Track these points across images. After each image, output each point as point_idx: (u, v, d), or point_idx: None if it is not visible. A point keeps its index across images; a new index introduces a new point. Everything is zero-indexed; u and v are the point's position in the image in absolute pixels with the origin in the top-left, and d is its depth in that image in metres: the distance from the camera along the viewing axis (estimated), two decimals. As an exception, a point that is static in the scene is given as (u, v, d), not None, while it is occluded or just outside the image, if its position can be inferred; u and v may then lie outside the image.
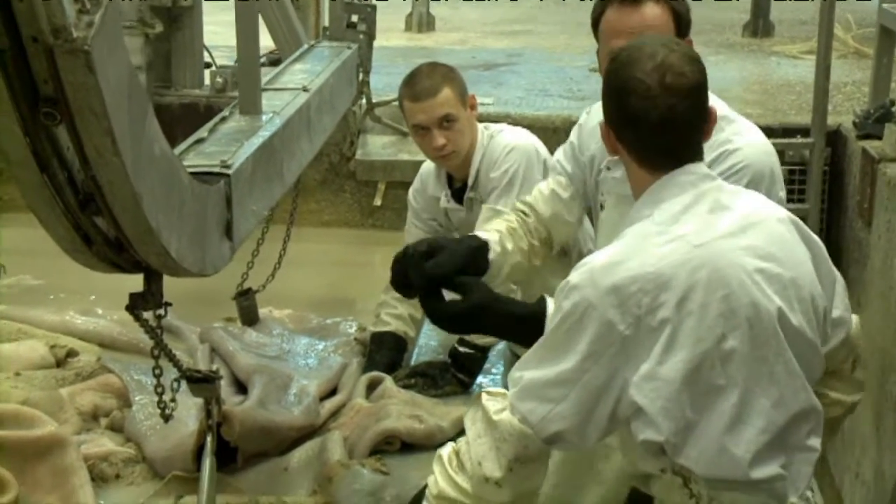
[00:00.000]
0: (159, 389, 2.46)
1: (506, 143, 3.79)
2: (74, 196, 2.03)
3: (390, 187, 5.64)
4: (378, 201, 5.71)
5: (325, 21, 5.54)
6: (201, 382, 2.62)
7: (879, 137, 4.71)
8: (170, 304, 2.34)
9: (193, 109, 5.39)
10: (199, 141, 2.86)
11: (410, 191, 4.10)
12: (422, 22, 9.22)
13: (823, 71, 5.01)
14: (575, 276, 2.23)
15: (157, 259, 2.20)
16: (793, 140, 5.24)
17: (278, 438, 3.14)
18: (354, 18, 4.86)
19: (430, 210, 4.01)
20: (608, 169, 2.94)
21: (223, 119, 3.10)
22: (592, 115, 3.12)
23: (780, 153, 5.16)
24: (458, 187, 3.92)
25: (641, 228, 2.25)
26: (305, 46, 4.51)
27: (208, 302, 4.60)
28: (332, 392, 3.61)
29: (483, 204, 3.67)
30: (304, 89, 3.60)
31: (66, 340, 3.95)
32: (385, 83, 6.66)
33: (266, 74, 3.94)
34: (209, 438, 2.67)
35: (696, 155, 2.30)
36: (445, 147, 3.67)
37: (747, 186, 2.68)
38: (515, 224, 3.08)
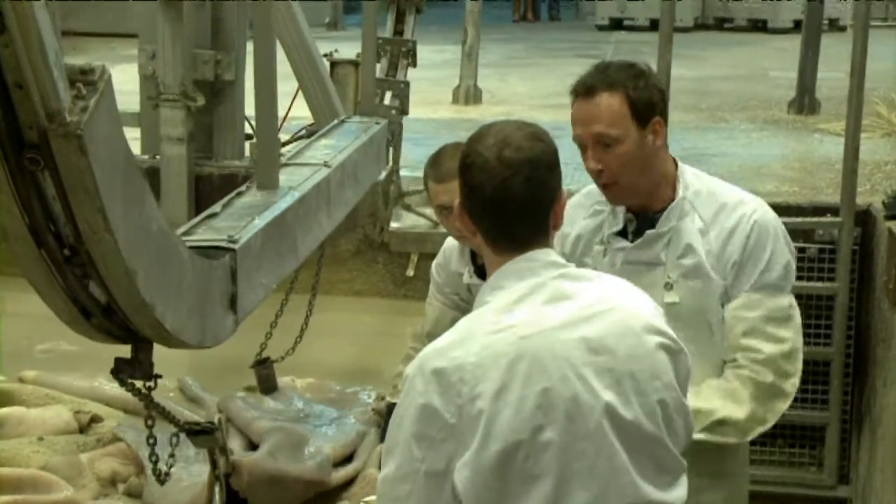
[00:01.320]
0: (153, 458, 2.51)
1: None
2: (71, 270, 2.11)
3: (423, 258, 5.71)
4: (411, 272, 5.78)
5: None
6: (201, 434, 2.67)
7: (908, 218, 4.71)
8: (159, 377, 2.39)
9: (233, 180, 5.51)
10: (212, 216, 2.95)
11: (433, 265, 4.14)
12: (469, 95, 9.36)
13: (852, 151, 5.01)
14: (410, 365, 2.25)
15: (153, 331, 2.27)
16: (822, 219, 5.24)
17: (289, 491, 3.17)
18: (388, 95, 4.96)
19: (453, 285, 4.06)
20: (607, 243, 2.98)
21: (239, 194, 3.19)
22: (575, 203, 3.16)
23: (810, 232, 5.23)
24: (482, 263, 3.96)
25: (476, 316, 2.26)
26: (335, 122, 4.61)
27: (233, 370, 4.69)
28: (349, 459, 3.65)
29: None
30: (326, 164, 3.68)
31: (92, 406, 4.05)
32: (426, 155, 6.75)
33: (294, 149, 4.05)
34: (217, 489, 2.72)
35: (540, 239, 2.27)
36: (454, 232, 3.70)
37: (775, 242, 2.86)
38: None
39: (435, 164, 3.80)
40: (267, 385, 4.16)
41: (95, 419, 3.94)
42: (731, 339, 2.88)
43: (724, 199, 2.92)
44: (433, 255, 4.09)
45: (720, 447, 2.89)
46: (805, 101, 8.70)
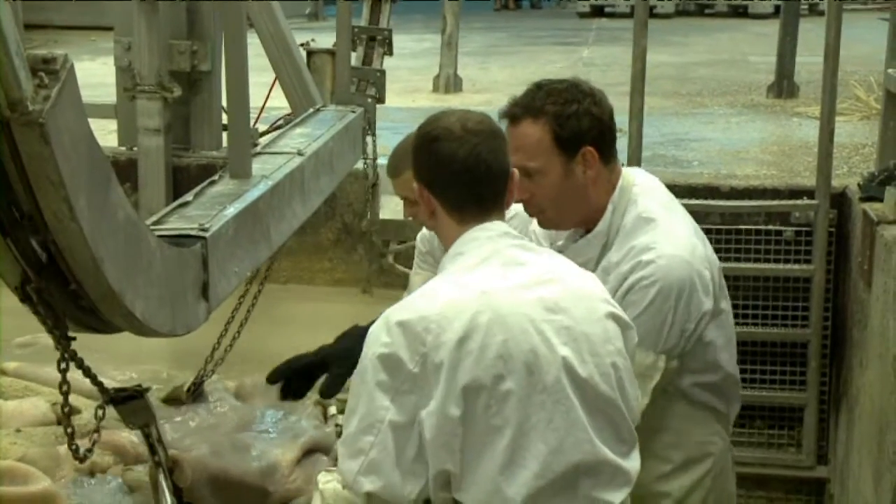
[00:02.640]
0: (69, 429, 2.42)
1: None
2: (39, 259, 2.11)
3: (420, 221, 5.71)
4: (391, 260, 5.79)
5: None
6: (130, 401, 2.58)
7: (882, 200, 4.73)
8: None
9: (210, 170, 5.50)
10: (184, 204, 2.95)
11: (419, 235, 4.13)
12: (449, 83, 9.37)
13: (827, 134, 5.04)
14: (375, 323, 2.33)
15: (123, 320, 2.28)
16: (798, 202, 5.27)
17: (231, 494, 3.13)
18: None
19: (436, 254, 4.06)
20: (559, 243, 2.90)
21: (212, 182, 3.20)
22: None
23: (787, 215, 5.25)
24: None
25: (438, 278, 2.35)
26: (310, 111, 4.61)
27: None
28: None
29: None
30: (299, 153, 3.69)
31: (70, 398, 4.03)
32: (406, 144, 6.77)
33: (270, 138, 4.05)
34: (162, 479, 2.68)
35: (498, 211, 2.40)
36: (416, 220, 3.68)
37: (653, 300, 2.67)
38: None
39: (389, 160, 3.80)
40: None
41: (74, 411, 3.93)
42: None
43: (635, 241, 2.72)
44: (413, 245, 4.11)
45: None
46: (784, 85, 8.73)
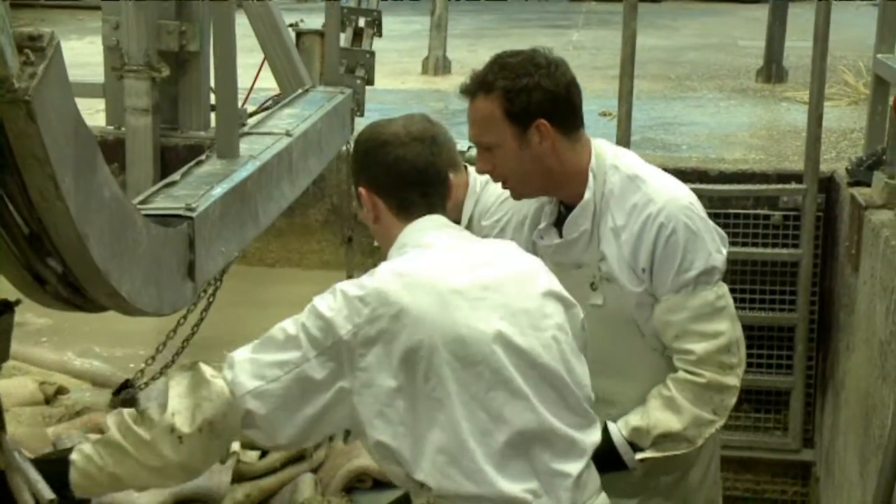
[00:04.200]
0: None
1: (500, 192, 3.78)
2: (24, 237, 2.10)
3: (366, 222, 5.71)
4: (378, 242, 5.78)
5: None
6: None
7: (870, 184, 4.75)
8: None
9: (198, 151, 5.45)
10: (171, 184, 2.94)
11: None
12: (438, 65, 9.35)
13: (816, 119, 5.06)
14: (320, 295, 2.42)
15: (109, 299, 2.27)
16: (786, 186, 5.29)
17: None
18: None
19: None
20: (541, 238, 2.93)
21: (199, 163, 3.19)
22: (489, 188, 3.16)
23: (775, 199, 5.27)
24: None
25: (383, 263, 2.45)
26: (299, 91, 4.60)
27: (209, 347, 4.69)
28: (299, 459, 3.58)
29: None
30: (287, 134, 3.68)
31: (57, 378, 4.04)
32: (395, 126, 6.76)
33: (256, 119, 4.04)
34: None
35: (441, 207, 2.54)
36: None
37: (682, 242, 2.77)
38: None
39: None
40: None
41: (61, 391, 3.93)
42: (668, 345, 2.82)
43: (634, 199, 2.79)
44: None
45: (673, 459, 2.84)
46: (773, 69, 8.74)
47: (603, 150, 2.88)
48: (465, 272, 2.40)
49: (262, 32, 5.38)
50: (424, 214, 2.49)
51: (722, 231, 2.89)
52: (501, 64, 2.77)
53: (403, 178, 2.49)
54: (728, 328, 2.81)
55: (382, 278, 2.35)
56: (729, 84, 8.80)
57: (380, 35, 5.62)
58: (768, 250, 5.28)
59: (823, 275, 5.29)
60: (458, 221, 3.88)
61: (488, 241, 2.65)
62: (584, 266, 2.84)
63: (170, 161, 5.56)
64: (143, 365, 3.69)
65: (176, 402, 2.36)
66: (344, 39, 5.30)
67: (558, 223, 2.90)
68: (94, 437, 2.37)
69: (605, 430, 2.75)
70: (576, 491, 2.38)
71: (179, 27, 5.53)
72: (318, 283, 5.68)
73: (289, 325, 2.38)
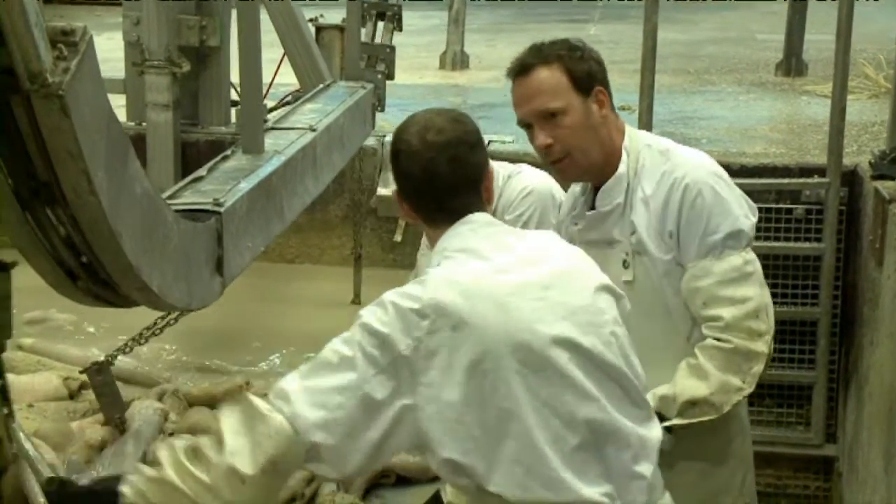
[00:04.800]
0: None
1: (523, 185, 3.75)
2: (56, 233, 2.10)
3: (411, 224, 5.70)
4: (398, 237, 5.78)
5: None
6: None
7: (894, 178, 4.72)
8: None
9: (219, 146, 5.49)
10: (197, 179, 2.94)
11: None
12: (456, 60, 9.34)
13: (839, 112, 5.01)
14: (366, 307, 2.31)
15: (140, 294, 2.27)
16: (809, 180, 5.26)
17: None
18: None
19: None
20: (575, 224, 2.95)
21: (225, 158, 3.19)
22: (511, 182, 3.19)
23: (797, 193, 5.24)
24: None
25: (431, 270, 2.34)
26: (320, 86, 4.60)
27: (226, 342, 4.70)
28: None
29: None
30: (311, 129, 3.68)
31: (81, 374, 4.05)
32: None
33: (280, 114, 4.04)
34: None
35: (474, 207, 2.42)
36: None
37: (709, 202, 2.79)
38: None
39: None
40: (105, 393, 3.69)
41: (85, 386, 3.95)
42: (695, 314, 2.82)
43: (664, 167, 2.84)
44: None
45: (700, 429, 2.82)
46: (792, 63, 8.69)
47: (637, 131, 2.93)
48: (518, 273, 2.32)
49: (282, 28, 5.39)
50: (449, 221, 2.40)
51: (751, 201, 2.90)
52: (550, 42, 2.81)
53: (415, 189, 2.40)
54: (756, 294, 2.81)
55: (436, 288, 2.25)
56: (748, 78, 8.76)
57: (400, 29, 5.62)
58: (790, 244, 5.25)
59: (846, 269, 5.26)
60: None
61: (531, 234, 2.54)
62: (616, 243, 2.85)
63: (190, 156, 5.59)
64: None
65: (233, 441, 2.21)
66: (364, 34, 5.30)
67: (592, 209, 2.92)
68: (145, 469, 2.25)
69: None
70: (649, 492, 2.32)
71: (200, 22, 5.56)
72: (337, 278, 5.75)
73: (340, 346, 2.26)
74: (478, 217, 2.41)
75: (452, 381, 2.19)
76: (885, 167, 4.85)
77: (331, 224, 5.95)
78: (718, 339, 2.78)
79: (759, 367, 2.81)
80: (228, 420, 2.24)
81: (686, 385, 2.78)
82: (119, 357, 4.14)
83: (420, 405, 2.20)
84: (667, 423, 2.76)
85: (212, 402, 4.12)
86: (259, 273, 4.60)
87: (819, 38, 9.09)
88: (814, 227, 5.23)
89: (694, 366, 2.79)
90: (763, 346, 2.80)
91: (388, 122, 6.16)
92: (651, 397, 2.75)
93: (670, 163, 2.83)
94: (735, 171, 5.46)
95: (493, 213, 3.80)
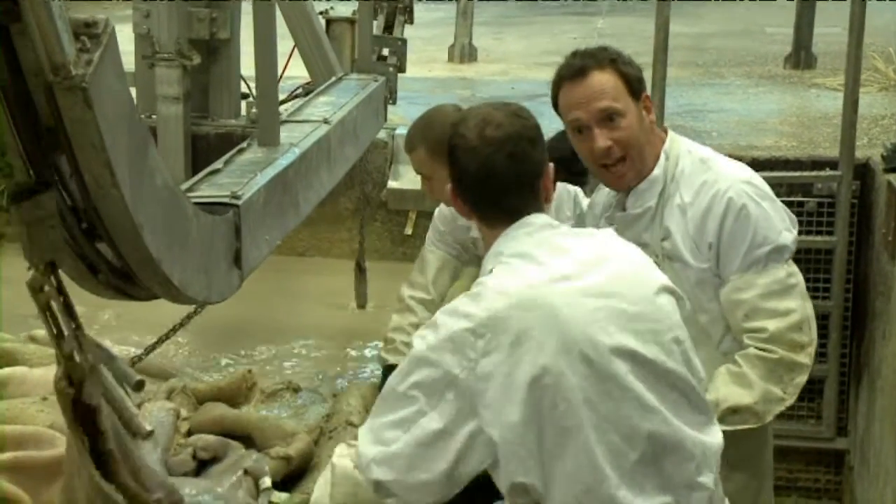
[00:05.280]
0: None
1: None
2: (78, 225, 2.10)
3: (421, 216, 5.70)
4: (409, 230, 5.78)
5: (360, 53, 5.63)
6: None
7: (907, 171, 4.71)
8: None
9: (229, 139, 5.50)
10: (214, 172, 2.94)
11: (437, 211, 4.08)
12: (464, 53, 9.33)
13: (851, 104, 5.00)
14: (417, 332, 2.27)
15: (161, 287, 2.27)
16: (821, 173, 5.25)
17: None
18: (385, 52, 4.93)
19: (456, 235, 4.03)
20: (609, 224, 2.95)
21: (240, 150, 3.19)
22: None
23: (809, 186, 5.23)
24: None
25: (483, 280, 2.28)
26: (333, 79, 4.59)
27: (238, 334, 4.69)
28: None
29: None
30: (326, 121, 3.67)
31: (94, 364, 4.04)
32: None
33: (292, 107, 4.03)
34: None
35: (532, 208, 2.34)
36: (431, 196, 3.66)
37: (754, 214, 2.79)
38: None
39: (406, 134, 3.78)
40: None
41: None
42: (735, 325, 2.82)
43: (704, 177, 2.85)
44: (432, 214, 4.08)
45: (734, 435, 2.78)
46: (801, 56, 8.68)
47: (679, 137, 2.94)
48: (576, 280, 2.23)
49: (293, 20, 5.37)
50: (506, 220, 2.31)
51: (790, 212, 2.91)
52: (593, 49, 2.83)
53: (471, 187, 2.33)
54: (799, 306, 2.83)
55: (490, 303, 2.19)
56: (757, 71, 8.74)
57: (411, 22, 5.61)
58: (802, 237, 5.16)
59: (858, 262, 5.25)
60: None
61: (589, 234, 2.44)
62: (645, 246, 2.81)
63: (200, 149, 5.58)
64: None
65: (318, 489, 2.31)
66: (376, 27, 5.29)
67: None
68: None
69: None
70: (710, 502, 2.27)
71: (210, 14, 5.55)
72: (347, 272, 5.73)
73: (398, 380, 2.23)
74: (535, 219, 2.33)
75: (513, 401, 2.13)
76: (897, 160, 4.85)
77: (341, 216, 5.95)
78: (762, 349, 2.78)
79: (801, 379, 2.82)
80: (324, 472, 2.35)
81: (729, 392, 2.78)
82: (131, 349, 4.15)
83: (486, 427, 2.15)
84: None
85: (220, 397, 4.11)
86: (269, 266, 4.59)
87: (827, 31, 9.07)
88: (825, 220, 5.21)
89: (736, 373, 2.79)
90: (806, 357, 2.83)
91: (398, 115, 6.16)
92: None
93: (711, 172, 2.84)
94: (746, 164, 5.44)
95: None
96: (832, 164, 5.23)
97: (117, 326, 4.96)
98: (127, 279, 2.26)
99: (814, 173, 5.28)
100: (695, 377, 2.30)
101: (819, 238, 5.21)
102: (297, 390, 4.22)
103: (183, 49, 5.38)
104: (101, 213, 2.05)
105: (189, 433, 3.72)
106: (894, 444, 4.30)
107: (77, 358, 2.07)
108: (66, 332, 2.06)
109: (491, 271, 2.29)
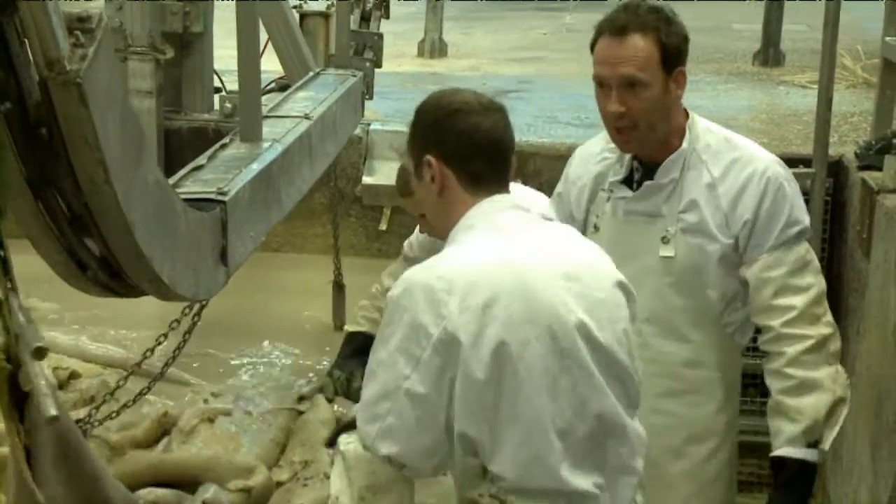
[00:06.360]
0: None
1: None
2: (68, 223, 2.07)
3: (396, 212, 5.69)
4: (383, 226, 5.76)
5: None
6: None
7: (880, 168, 4.74)
8: None
9: (202, 134, 5.43)
10: (198, 168, 2.91)
11: (407, 242, 4.17)
12: (434, 48, 9.31)
13: (825, 102, 5.03)
14: (395, 287, 2.33)
15: (150, 285, 2.24)
16: (795, 170, 5.23)
17: None
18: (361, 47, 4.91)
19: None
20: (611, 191, 2.99)
21: (223, 146, 3.16)
22: (583, 148, 3.19)
23: (783, 183, 5.25)
24: None
25: (453, 246, 2.35)
26: (311, 74, 4.56)
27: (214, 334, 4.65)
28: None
29: None
30: (306, 117, 3.65)
31: (69, 362, 4.01)
32: (395, 108, 6.74)
33: (270, 102, 4.00)
34: None
35: (504, 186, 2.42)
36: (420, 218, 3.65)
37: (791, 194, 2.91)
38: None
39: (398, 179, 3.80)
40: None
41: (74, 375, 3.90)
42: (761, 302, 2.89)
43: (736, 154, 2.90)
44: (405, 210, 4.07)
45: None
46: (770, 53, 8.73)
47: (697, 116, 2.98)
48: (543, 259, 2.32)
49: (266, 14, 5.33)
50: (493, 191, 2.38)
51: None
52: (649, 7, 2.81)
53: (477, 146, 2.36)
54: (816, 280, 2.93)
55: (464, 266, 2.26)
56: (726, 67, 8.79)
57: (387, 17, 5.59)
58: (775, 234, 5.27)
59: (831, 259, 5.29)
60: None
61: (556, 224, 2.57)
62: (659, 217, 2.90)
63: (173, 144, 5.52)
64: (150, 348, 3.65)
65: (334, 485, 2.31)
66: (352, 22, 5.27)
67: (627, 181, 2.97)
68: None
69: (791, 461, 2.87)
70: (638, 489, 2.37)
71: (183, 8, 5.49)
72: (323, 268, 5.71)
73: (378, 351, 2.28)
74: (505, 198, 2.40)
75: (479, 360, 2.20)
76: (870, 157, 4.88)
77: (315, 212, 5.92)
78: (793, 339, 2.85)
79: (837, 344, 2.93)
80: (332, 467, 2.36)
81: (809, 404, 2.84)
82: (108, 347, 4.11)
83: (457, 378, 2.22)
84: (827, 444, 2.89)
85: (138, 446, 3.95)
86: (245, 262, 4.58)
87: (793, 29, 9.13)
88: (799, 217, 5.24)
89: (796, 385, 2.86)
90: (828, 327, 2.92)
91: (370, 109, 6.13)
92: (793, 442, 2.88)
93: (739, 151, 2.91)
94: (720, 160, 5.48)
95: None
96: (805, 162, 5.26)
97: (88, 324, 4.91)
98: (116, 277, 2.24)
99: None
100: (636, 375, 2.39)
101: (793, 235, 5.24)
102: (212, 420, 4.08)
103: (156, 42, 5.33)
104: (93, 209, 2.02)
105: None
106: (869, 440, 4.34)
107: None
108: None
109: (464, 240, 2.34)
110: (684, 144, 2.88)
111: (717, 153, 2.89)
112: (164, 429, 4.05)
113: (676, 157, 2.88)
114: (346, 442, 2.34)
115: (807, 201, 5.12)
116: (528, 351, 2.22)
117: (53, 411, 1.75)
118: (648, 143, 2.88)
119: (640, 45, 2.75)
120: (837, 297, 5.23)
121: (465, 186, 2.38)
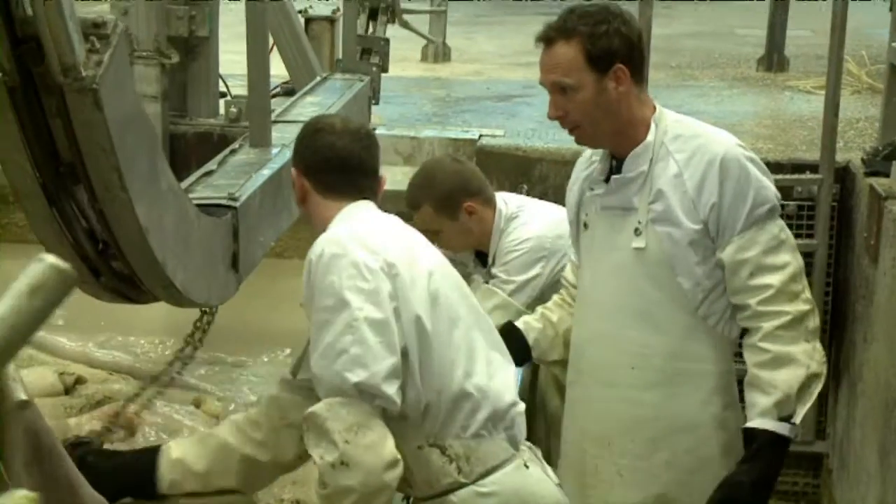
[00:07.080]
0: None
1: (521, 236, 3.85)
2: (82, 229, 2.07)
3: (401, 218, 5.67)
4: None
5: (340, 53, 5.60)
6: None
7: (887, 175, 4.74)
8: None
9: (207, 138, 5.41)
10: (209, 173, 2.91)
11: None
12: (438, 53, 9.30)
13: (832, 108, 5.03)
14: (314, 253, 2.49)
15: (163, 290, 2.24)
16: (801, 176, 5.27)
17: None
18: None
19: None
20: (591, 189, 3.03)
21: (233, 151, 3.16)
22: (583, 154, 3.22)
23: (789, 189, 5.25)
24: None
25: (340, 228, 2.54)
26: (318, 79, 4.56)
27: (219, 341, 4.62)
28: None
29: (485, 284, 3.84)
30: (315, 122, 3.64)
31: (75, 368, 3.99)
32: (399, 113, 6.72)
33: (278, 106, 4.00)
34: None
35: (370, 194, 2.67)
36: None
37: (745, 173, 2.87)
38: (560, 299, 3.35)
39: (407, 193, 3.80)
40: None
41: (80, 380, 3.88)
42: (738, 283, 2.91)
43: (700, 140, 2.94)
44: (408, 214, 4.06)
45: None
46: (774, 58, 8.71)
47: (664, 109, 3.01)
48: (418, 252, 2.59)
49: (272, 19, 5.32)
50: (356, 198, 2.61)
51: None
52: (580, 13, 2.87)
53: (328, 162, 2.60)
54: (792, 259, 2.92)
55: (368, 229, 2.50)
56: (730, 73, 8.78)
57: (393, 22, 5.58)
58: (782, 240, 5.26)
59: (838, 266, 5.28)
60: (484, 250, 3.90)
61: (412, 230, 2.78)
62: (632, 210, 2.92)
63: (178, 149, 5.50)
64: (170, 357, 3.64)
65: (314, 452, 2.37)
66: (359, 26, 5.26)
67: (607, 180, 3.00)
68: None
69: (761, 431, 2.84)
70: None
71: (189, 12, 5.46)
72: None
73: (323, 301, 2.41)
74: (370, 204, 2.65)
75: (416, 290, 2.47)
76: (878, 164, 4.88)
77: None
78: (769, 316, 2.87)
79: (815, 321, 2.92)
80: (307, 441, 2.44)
81: (783, 379, 2.85)
82: (115, 353, 4.10)
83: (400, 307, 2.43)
84: (798, 419, 2.88)
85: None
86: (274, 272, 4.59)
87: (797, 34, 9.12)
88: (805, 224, 5.23)
89: (772, 359, 2.86)
90: (806, 304, 2.92)
91: (376, 115, 6.12)
92: (764, 414, 2.85)
93: (702, 138, 2.92)
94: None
95: (491, 253, 3.84)
96: (812, 167, 5.26)
97: (95, 330, 4.88)
98: (129, 282, 2.23)
99: (794, 176, 5.29)
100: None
101: (799, 241, 5.19)
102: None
103: (161, 47, 5.32)
104: (108, 215, 2.02)
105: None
106: (877, 448, 4.33)
107: None
108: None
109: (347, 228, 2.53)
110: (649, 137, 2.92)
111: (683, 143, 2.92)
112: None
113: (641, 150, 2.93)
114: (308, 417, 2.38)
115: (812, 207, 5.20)
116: (443, 285, 2.54)
117: (22, 395, 1.74)
118: (600, 138, 2.96)
119: (562, 51, 2.83)
120: (844, 303, 5.22)
121: (324, 195, 2.61)
